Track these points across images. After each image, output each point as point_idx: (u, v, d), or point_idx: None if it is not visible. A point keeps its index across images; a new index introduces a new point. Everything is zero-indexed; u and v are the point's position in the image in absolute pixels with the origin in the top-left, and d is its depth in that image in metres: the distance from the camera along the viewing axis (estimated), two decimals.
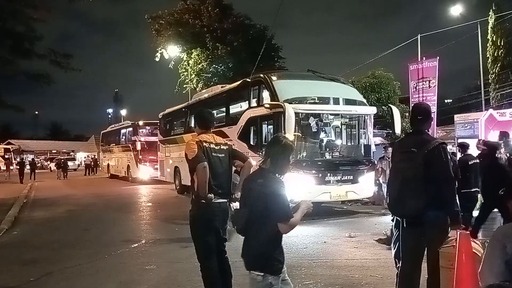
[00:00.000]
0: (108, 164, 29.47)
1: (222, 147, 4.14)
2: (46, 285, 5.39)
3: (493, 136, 10.91)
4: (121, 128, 27.86)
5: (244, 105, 11.98)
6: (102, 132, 33.36)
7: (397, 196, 3.66)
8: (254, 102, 11.28)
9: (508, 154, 7.73)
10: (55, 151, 59.76)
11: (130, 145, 24.28)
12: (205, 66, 28.45)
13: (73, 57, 17.65)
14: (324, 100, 10.55)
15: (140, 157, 22.72)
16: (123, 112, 60.20)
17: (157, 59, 28.84)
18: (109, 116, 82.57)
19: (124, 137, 26.27)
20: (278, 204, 2.77)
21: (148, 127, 24.26)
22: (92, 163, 36.83)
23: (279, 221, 2.78)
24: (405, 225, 3.65)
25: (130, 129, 25.00)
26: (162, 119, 19.56)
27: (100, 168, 35.21)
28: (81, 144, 64.40)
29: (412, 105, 4.32)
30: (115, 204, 13.97)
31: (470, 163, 7.70)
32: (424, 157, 3.51)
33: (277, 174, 2.92)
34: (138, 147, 22.82)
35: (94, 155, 42.91)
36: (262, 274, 2.79)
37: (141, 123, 24.35)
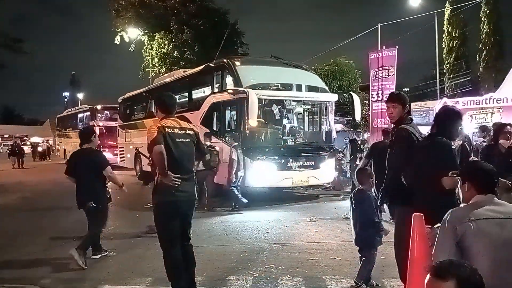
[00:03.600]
0: (65, 150, 28.41)
1: (187, 131, 4.06)
2: (1, 274, 5.18)
3: None
4: (78, 112, 26.89)
5: (207, 90, 11.85)
6: (57, 116, 32.10)
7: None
8: (217, 88, 11.19)
9: (461, 141, 8.11)
10: (7, 136, 56.82)
11: None
12: (169, 50, 27.79)
13: (23, 42, 16.64)
14: (287, 87, 10.62)
15: (99, 142, 22.02)
16: (80, 96, 58.02)
17: (117, 42, 27.89)
18: (65, 100, 79.16)
19: (81, 121, 25.38)
20: (446, 159, 3.26)
21: (107, 112, 23.54)
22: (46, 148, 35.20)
23: (444, 173, 3.15)
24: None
25: (88, 113, 24.20)
26: (122, 103, 19.02)
27: (56, 154, 33.88)
28: (36, 129, 61.67)
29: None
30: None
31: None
32: None
33: (444, 138, 3.39)
34: (97, 132, 22.09)
35: (48, 140, 41.15)
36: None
37: (99, 107, 23.61)
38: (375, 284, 4.38)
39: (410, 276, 3.42)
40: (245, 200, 9.34)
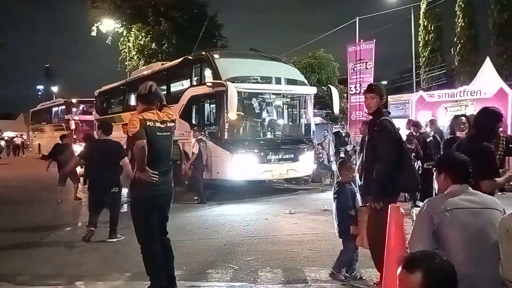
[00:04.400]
0: (39, 144, 27.74)
1: (168, 124, 3.97)
2: None
3: (423, 116, 11.63)
4: (52, 106, 26.28)
5: (186, 83, 11.75)
6: (31, 110, 31.32)
7: None
8: (195, 81, 11.09)
9: (433, 132, 8.28)
10: None
11: (63, 124, 23.01)
12: (146, 42, 27.36)
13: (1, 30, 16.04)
14: (266, 80, 10.62)
15: (75, 136, 21.61)
16: (55, 89, 56.77)
17: (93, 34, 27.28)
18: (40, 93, 77.15)
19: (56, 115, 24.84)
20: (486, 165, 3.30)
21: (82, 105, 23.14)
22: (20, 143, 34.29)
23: (484, 177, 3.20)
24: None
25: (63, 107, 23.73)
26: (98, 96, 18.70)
27: (30, 149, 33.05)
28: (9, 123, 59.87)
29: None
30: (48, 186, 13.19)
31: (428, 140, 8.05)
32: None
33: (485, 143, 3.47)
34: (72, 126, 21.67)
35: (22, 135, 40.10)
36: None
37: (74, 100, 23.20)
38: (359, 277, 4.40)
39: (387, 265, 3.49)
40: (204, 199, 9.41)
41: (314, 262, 5.11)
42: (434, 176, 2.74)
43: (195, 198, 9.51)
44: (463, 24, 24.89)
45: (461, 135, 5.27)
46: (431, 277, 1.62)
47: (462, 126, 5.33)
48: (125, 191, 7.21)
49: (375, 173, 3.82)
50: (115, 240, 6.24)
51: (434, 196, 3.06)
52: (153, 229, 3.94)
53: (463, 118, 5.49)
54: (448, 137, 5.54)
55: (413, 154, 7.94)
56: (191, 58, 11.43)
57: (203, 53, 10.94)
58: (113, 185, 6.30)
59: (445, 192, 2.57)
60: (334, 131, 13.20)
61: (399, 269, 1.72)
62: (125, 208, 7.30)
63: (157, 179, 3.81)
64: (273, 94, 10.96)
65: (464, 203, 2.44)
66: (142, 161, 3.72)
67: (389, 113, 4.04)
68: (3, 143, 33.28)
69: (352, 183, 4.62)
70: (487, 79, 12.59)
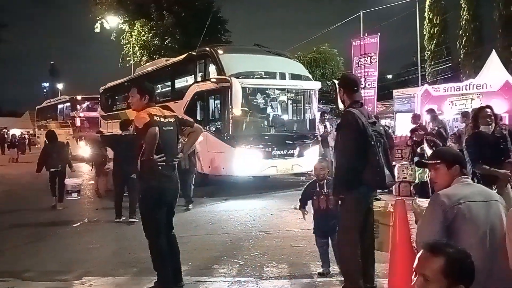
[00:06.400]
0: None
1: (170, 119, 4.07)
2: None
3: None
4: (58, 103, 26.45)
5: (190, 79, 11.74)
6: (37, 107, 31.50)
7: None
8: (200, 77, 11.09)
9: (436, 127, 8.24)
10: None
11: (68, 121, 23.16)
12: (149, 38, 27.35)
13: (6, 26, 16.06)
14: (270, 75, 10.60)
15: (80, 133, 21.78)
16: (60, 86, 57.00)
17: (97, 30, 27.31)
18: (45, 90, 77.54)
19: (61, 112, 24.99)
20: None
21: (87, 102, 23.25)
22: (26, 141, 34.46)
23: None
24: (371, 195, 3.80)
25: (68, 104, 23.88)
26: (103, 93, 18.75)
27: (36, 145, 33.22)
28: (15, 120, 60.25)
29: None
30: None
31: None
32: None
33: None
34: (78, 123, 21.85)
35: (29, 132, 40.32)
36: None
37: (79, 98, 23.32)
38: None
39: (392, 260, 3.50)
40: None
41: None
42: (439, 171, 2.65)
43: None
44: (468, 16, 24.62)
45: (486, 129, 4.67)
46: (453, 265, 1.66)
47: (488, 120, 4.67)
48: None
49: (335, 167, 3.72)
50: (136, 220, 6.76)
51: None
52: (160, 224, 3.98)
53: (488, 110, 4.80)
54: (472, 133, 4.89)
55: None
56: (195, 54, 11.41)
57: (207, 49, 10.92)
58: (131, 173, 6.88)
59: (453, 185, 2.53)
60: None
61: (421, 252, 1.75)
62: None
63: (164, 165, 3.86)
64: (278, 89, 10.93)
65: (474, 196, 2.43)
66: (151, 148, 3.77)
67: (362, 104, 3.79)
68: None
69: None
70: (493, 73, 12.49)
